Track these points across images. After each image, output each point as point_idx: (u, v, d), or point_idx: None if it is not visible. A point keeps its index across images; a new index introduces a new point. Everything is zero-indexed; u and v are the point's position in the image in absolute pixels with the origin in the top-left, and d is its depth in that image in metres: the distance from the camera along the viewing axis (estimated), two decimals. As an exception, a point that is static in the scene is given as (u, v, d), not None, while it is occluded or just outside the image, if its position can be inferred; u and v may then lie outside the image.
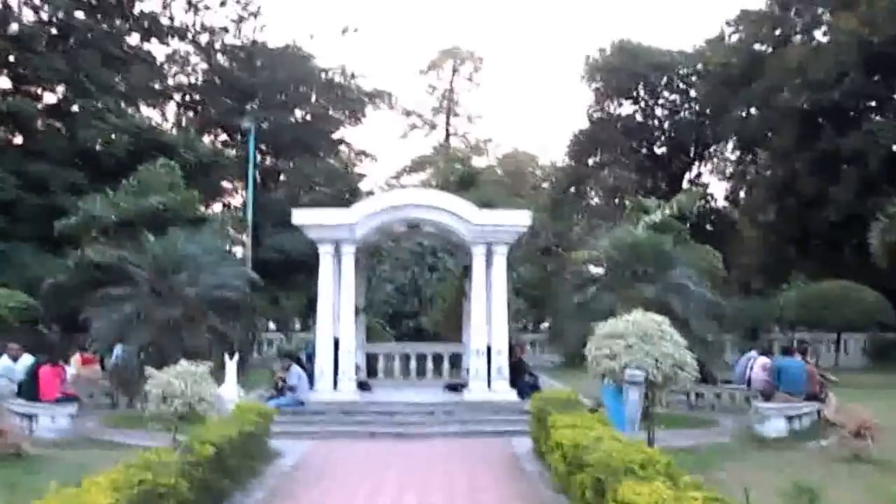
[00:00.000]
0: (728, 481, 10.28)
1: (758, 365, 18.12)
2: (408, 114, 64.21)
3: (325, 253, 16.51)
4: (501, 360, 16.43)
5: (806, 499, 7.40)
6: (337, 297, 16.68)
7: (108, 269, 19.96)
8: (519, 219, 16.99)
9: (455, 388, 17.90)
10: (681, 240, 20.48)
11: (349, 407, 15.76)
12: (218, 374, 13.87)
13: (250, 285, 23.63)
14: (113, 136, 32.32)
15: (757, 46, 40.15)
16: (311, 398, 16.02)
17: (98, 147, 32.30)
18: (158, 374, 12.08)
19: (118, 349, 17.26)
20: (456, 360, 20.28)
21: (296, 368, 16.30)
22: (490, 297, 16.62)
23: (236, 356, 13.63)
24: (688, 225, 26.84)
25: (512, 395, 16.33)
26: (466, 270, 20.49)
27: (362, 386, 17.44)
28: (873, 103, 34.60)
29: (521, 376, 17.76)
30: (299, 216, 16.80)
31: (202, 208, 28.90)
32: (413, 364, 20.06)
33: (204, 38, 49.67)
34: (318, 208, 19.40)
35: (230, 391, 13.17)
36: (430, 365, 20.14)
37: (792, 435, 14.81)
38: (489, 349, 16.50)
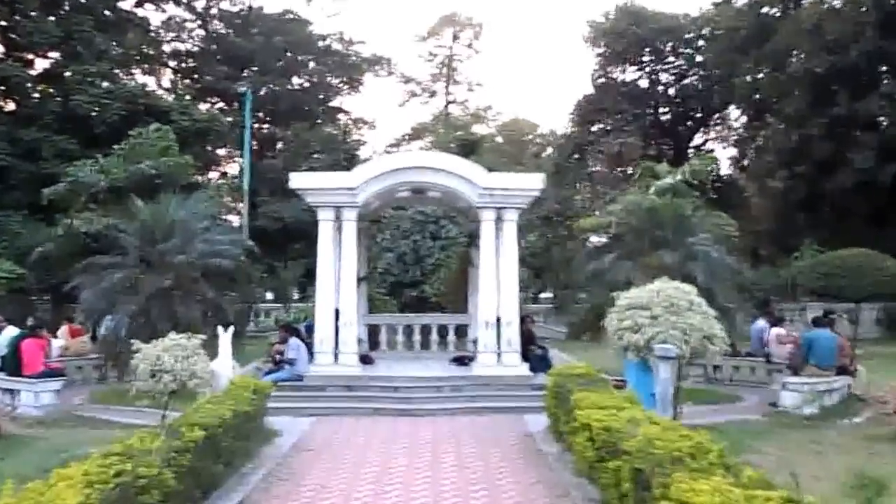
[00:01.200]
0: (766, 466, 9.44)
1: (773, 336, 17.32)
2: (406, 81, 63.11)
3: (325, 219, 15.52)
4: (511, 332, 15.53)
5: (872, 490, 6.51)
6: (337, 265, 15.74)
7: (98, 237, 19.09)
8: (531, 182, 15.98)
9: (462, 361, 17.03)
10: (696, 206, 19.48)
11: (351, 381, 14.89)
12: (212, 347, 13.02)
13: (246, 253, 22.79)
14: (106, 101, 31.23)
15: (766, 9, 38.85)
16: (311, 372, 15.15)
17: (91, 113, 31.16)
18: (147, 347, 11.21)
19: (108, 320, 16.40)
20: (461, 332, 19.39)
21: (294, 341, 15.39)
22: (499, 265, 15.67)
23: (231, 328, 12.70)
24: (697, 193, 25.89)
25: (523, 369, 15.47)
26: (472, 238, 19.60)
27: (364, 359, 16.56)
28: (884, 67, 33.38)
29: (530, 349, 16.88)
30: (297, 180, 15.77)
31: (198, 176, 27.90)
32: (417, 336, 19.12)
33: (200, 4, 48.83)
34: (317, 172, 18.37)
35: (224, 366, 12.29)
36: (434, 336, 19.22)
37: (823, 411, 14.04)
38: (498, 320, 15.60)
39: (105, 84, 32.54)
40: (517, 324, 15.71)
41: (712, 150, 47.33)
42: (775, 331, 17.01)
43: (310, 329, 16.35)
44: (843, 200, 33.29)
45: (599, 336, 17.66)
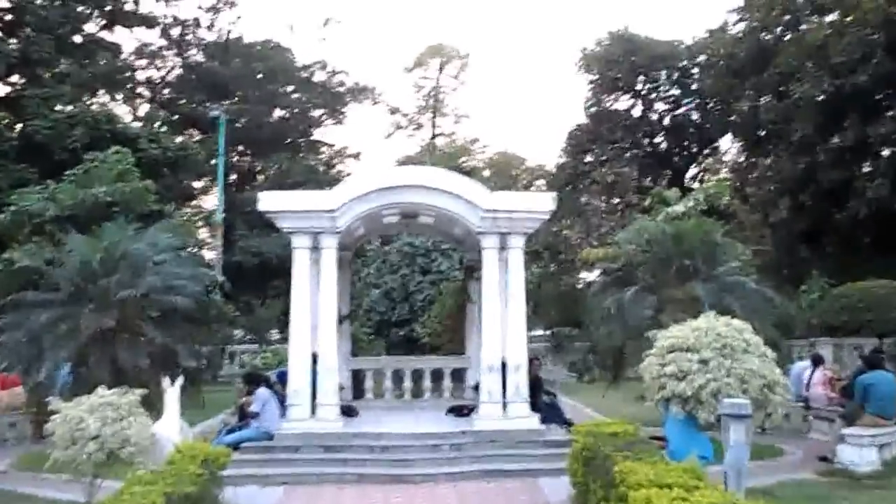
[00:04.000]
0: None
1: (818, 378, 15.27)
2: (392, 112, 61.47)
3: (301, 247, 13.22)
4: (520, 378, 13.23)
5: None
6: (315, 301, 13.47)
7: (42, 272, 16.70)
8: (540, 203, 13.83)
9: (460, 411, 14.71)
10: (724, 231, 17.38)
11: (331, 440, 12.49)
12: (163, 402, 10.69)
13: (217, 290, 20.53)
14: (66, 126, 29.05)
15: (764, 35, 37.41)
16: (283, 429, 12.74)
17: (51, 139, 28.93)
18: (67, 407, 8.93)
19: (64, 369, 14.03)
20: (458, 377, 17.06)
21: (262, 392, 12.98)
22: (505, 300, 13.44)
23: (179, 380, 10.36)
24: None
25: (533, 422, 13.17)
26: (470, 269, 17.40)
27: (347, 411, 14.17)
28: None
29: (538, 396, 14.57)
30: (268, 201, 13.49)
31: (166, 206, 25.53)
32: (408, 382, 16.74)
33: (176, 32, 47.04)
34: (291, 191, 16.19)
35: (170, 428, 9.91)
36: (427, 383, 16.82)
37: (885, 467, 11.95)
38: (504, 364, 13.34)
39: (67, 108, 30.40)
40: (525, 368, 13.44)
41: (707, 181, 45.78)
42: (820, 372, 14.94)
43: (283, 377, 13.96)
44: (852, 230, 31.48)
45: (619, 379, 15.58)
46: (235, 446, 12.32)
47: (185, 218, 22.89)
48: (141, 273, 13.03)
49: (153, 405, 10.61)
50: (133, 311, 12.81)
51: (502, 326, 13.35)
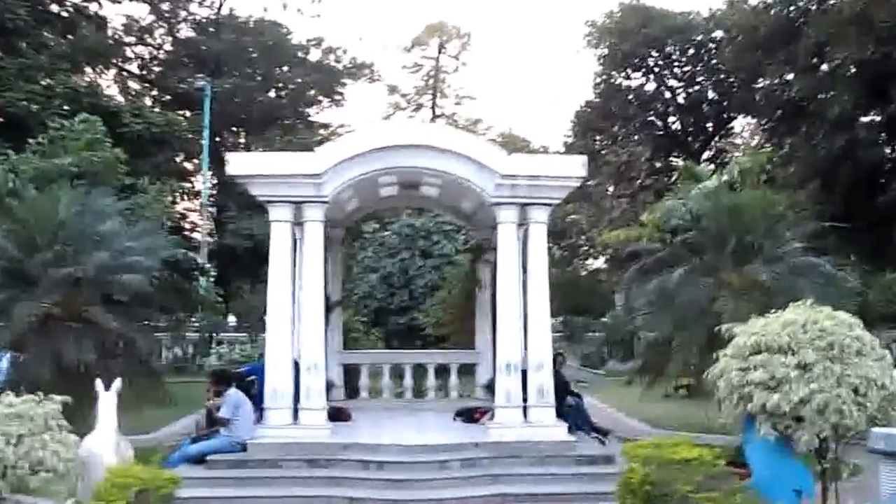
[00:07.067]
0: None
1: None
2: (391, 91, 59.32)
3: (279, 220, 10.96)
4: (544, 379, 11.02)
5: None
6: (298, 285, 11.28)
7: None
8: (568, 167, 11.49)
9: (471, 415, 12.51)
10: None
11: (317, 452, 10.29)
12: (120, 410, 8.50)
13: (198, 271, 18.50)
14: (44, 99, 26.98)
15: (789, 5, 35.08)
16: (259, 438, 10.56)
17: (28, 111, 26.86)
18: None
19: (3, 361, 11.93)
20: (467, 371, 14.86)
21: (233, 394, 10.77)
22: (525, 285, 11.24)
23: (116, 384, 8.11)
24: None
25: (560, 432, 10.97)
26: (479, 250, 15.17)
27: (337, 414, 11.96)
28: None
29: (561, 398, 12.35)
30: (238, 163, 11.22)
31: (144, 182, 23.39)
32: (409, 379, 14.53)
33: (166, 6, 44.96)
34: (267, 153, 13.93)
35: (103, 444, 7.70)
36: (431, 380, 14.61)
37: None
38: (525, 362, 11.15)
39: (45, 82, 28.32)
40: (550, 366, 11.24)
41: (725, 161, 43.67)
42: (897, 373, 12.76)
43: (256, 373, 11.76)
44: (892, 213, 29.30)
45: (662, 377, 13.37)
46: (201, 459, 10.25)
47: (158, 189, 20.54)
48: (93, 247, 10.81)
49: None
50: (82, 293, 10.61)
51: (523, 317, 11.16)
